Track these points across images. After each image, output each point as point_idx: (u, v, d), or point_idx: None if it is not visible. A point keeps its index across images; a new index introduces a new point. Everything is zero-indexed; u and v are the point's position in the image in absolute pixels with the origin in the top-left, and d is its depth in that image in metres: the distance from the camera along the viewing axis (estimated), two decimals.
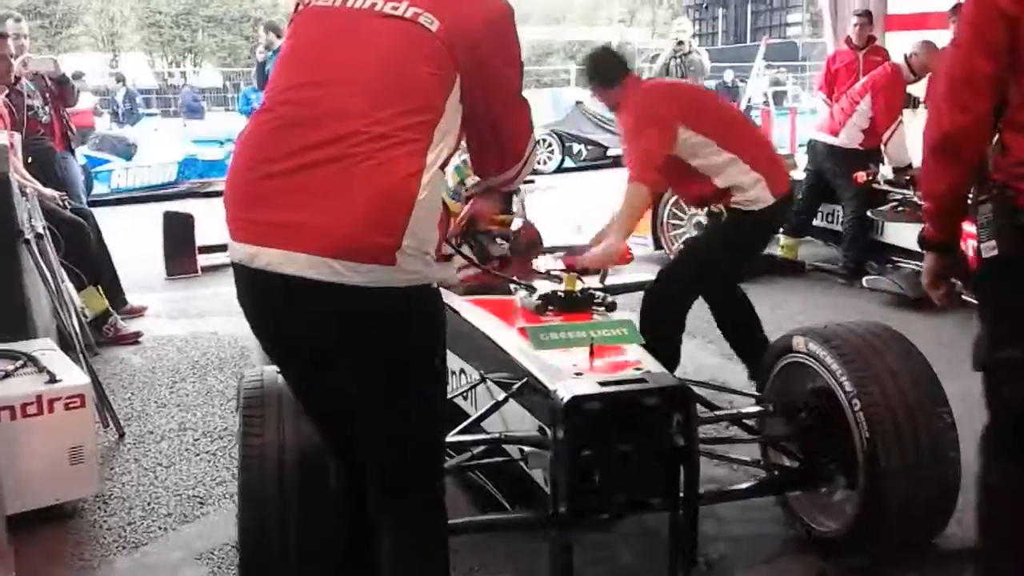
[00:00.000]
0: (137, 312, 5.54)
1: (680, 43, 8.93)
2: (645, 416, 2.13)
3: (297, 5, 1.79)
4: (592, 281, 3.25)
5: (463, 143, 1.81)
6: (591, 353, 2.40)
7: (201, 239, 6.71)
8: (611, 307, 2.80)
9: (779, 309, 5.55)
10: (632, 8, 45.58)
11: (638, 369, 2.31)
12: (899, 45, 7.54)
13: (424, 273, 1.61)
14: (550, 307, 2.74)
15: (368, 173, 1.52)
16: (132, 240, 7.10)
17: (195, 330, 5.29)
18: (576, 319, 2.66)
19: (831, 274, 6.20)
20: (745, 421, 2.77)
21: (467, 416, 2.58)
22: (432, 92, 1.61)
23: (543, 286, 2.91)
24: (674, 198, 6.55)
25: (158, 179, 11.45)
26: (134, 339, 5.02)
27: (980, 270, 1.88)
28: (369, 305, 1.56)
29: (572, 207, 5.22)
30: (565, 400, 2.08)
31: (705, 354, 4.73)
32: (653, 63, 11.62)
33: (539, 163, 13.60)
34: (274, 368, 2.22)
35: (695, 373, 4.33)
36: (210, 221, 7.49)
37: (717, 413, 2.69)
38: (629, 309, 4.86)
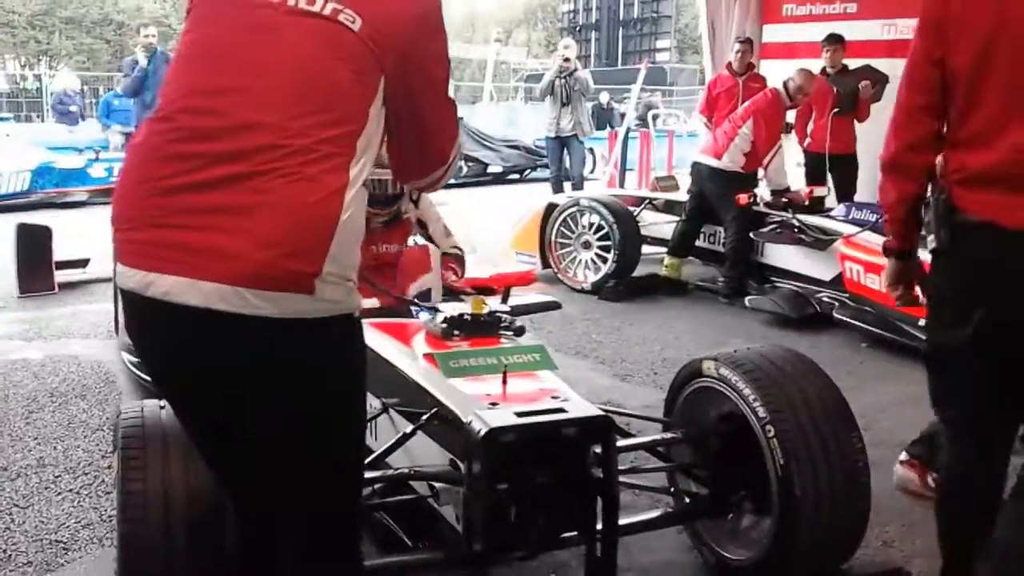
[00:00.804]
0: None
1: (567, 60, 9.00)
2: (564, 447, 2.03)
3: None
4: (494, 303, 3.14)
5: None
6: (504, 381, 2.28)
7: (59, 253, 6.20)
8: (519, 331, 2.68)
9: (665, 328, 5.61)
10: (508, 28, 46.10)
11: (555, 397, 2.20)
12: (773, 72, 7.85)
13: (345, 302, 1.45)
14: (456, 331, 2.60)
15: (285, 192, 1.35)
16: None
17: (53, 353, 4.84)
18: (485, 344, 2.54)
19: (713, 293, 6.32)
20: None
21: (369, 451, 2.40)
22: (354, 99, 1.45)
23: (447, 308, 2.78)
24: (562, 216, 6.55)
25: (8, 188, 10.60)
26: None
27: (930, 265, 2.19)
28: (283, 339, 1.39)
29: (464, 225, 5.10)
30: (482, 432, 1.95)
31: (598, 375, 4.69)
32: (536, 82, 11.70)
33: None
34: (155, 401, 2.00)
35: (590, 395, 4.28)
36: (68, 233, 7.05)
37: (631, 442, 2.62)
38: (534, 330, 4.80)
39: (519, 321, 2.74)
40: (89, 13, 33.35)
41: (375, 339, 2.63)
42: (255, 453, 1.49)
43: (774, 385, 2.39)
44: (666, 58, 39.63)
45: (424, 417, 2.25)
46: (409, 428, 2.30)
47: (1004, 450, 2.15)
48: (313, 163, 1.37)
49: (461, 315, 2.66)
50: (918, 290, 2.36)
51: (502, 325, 2.69)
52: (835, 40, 6.93)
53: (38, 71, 31.52)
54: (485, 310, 2.69)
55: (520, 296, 3.77)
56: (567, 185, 9.24)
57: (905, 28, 7.06)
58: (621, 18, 45.44)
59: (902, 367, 4.83)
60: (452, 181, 10.14)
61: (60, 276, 6.19)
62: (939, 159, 2.11)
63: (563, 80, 8.91)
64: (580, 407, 2.12)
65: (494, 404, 2.13)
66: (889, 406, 4.23)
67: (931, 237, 2.14)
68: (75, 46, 33.31)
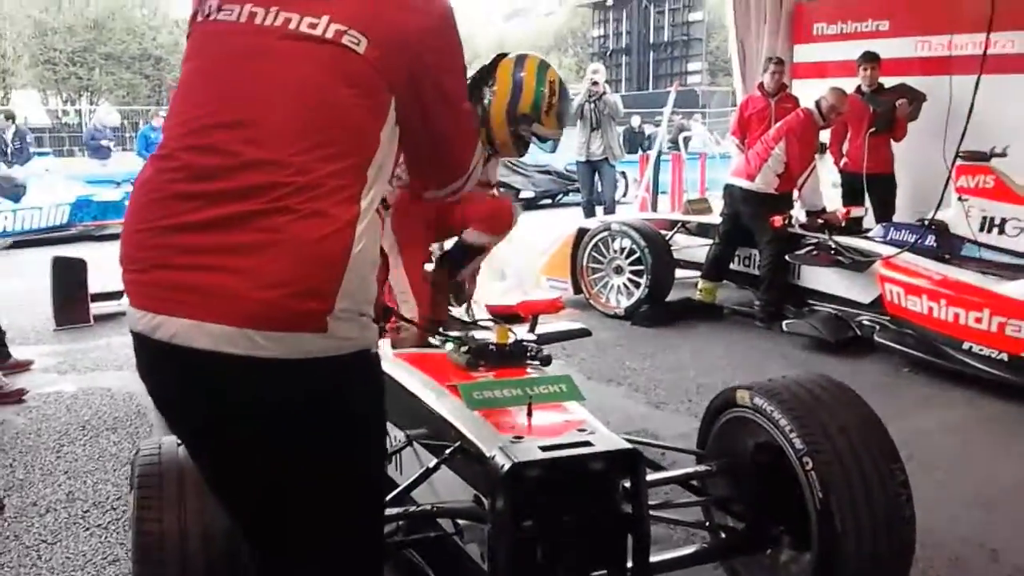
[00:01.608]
0: (22, 367, 5.09)
1: (595, 84, 8.98)
2: (591, 482, 1.96)
3: (194, 15, 1.52)
4: (521, 332, 3.08)
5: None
6: (529, 413, 2.21)
7: (94, 285, 6.26)
8: (546, 361, 2.62)
9: (700, 354, 5.51)
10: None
11: (582, 430, 2.13)
12: (805, 92, 7.74)
13: (361, 338, 1.39)
14: (481, 362, 2.55)
15: (292, 230, 1.29)
16: (18, 287, 6.60)
17: (86, 386, 4.87)
18: (510, 374, 2.47)
19: (749, 317, 6.20)
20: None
21: (394, 485, 2.35)
22: (363, 127, 1.39)
23: (472, 338, 2.73)
24: (593, 241, 6.49)
25: (48, 221, 10.80)
26: (18, 397, 4.58)
27: None
28: (297, 381, 1.33)
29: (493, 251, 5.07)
30: (505, 467, 1.88)
31: (631, 403, 4.60)
32: None
33: None
34: (173, 438, 1.96)
35: (624, 424, 4.20)
36: (104, 266, 7.12)
37: (663, 475, 2.53)
38: (565, 357, 4.73)
39: (546, 350, 2.68)
40: (128, 49, 34.13)
41: (398, 370, 2.59)
42: (271, 497, 1.43)
43: (811, 415, 2.30)
44: (697, 80, 39.64)
45: (448, 451, 2.19)
46: (433, 463, 2.24)
47: None
48: (320, 198, 1.32)
49: (486, 345, 2.61)
50: None
51: (528, 355, 2.63)
52: (871, 58, 6.82)
53: (79, 106, 32.33)
54: (511, 339, 2.63)
55: (548, 324, 3.72)
56: (599, 209, 9.18)
57: (939, 45, 6.94)
58: (651, 42, 45.59)
59: (945, 392, 4.69)
60: None
61: (95, 308, 6.26)
62: None
63: (592, 104, 8.88)
64: (607, 440, 2.05)
65: (519, 438, 2.06)
66: (933, 432, 4.09)
67: None
68: (115, 81, 34.08)
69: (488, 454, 1.97)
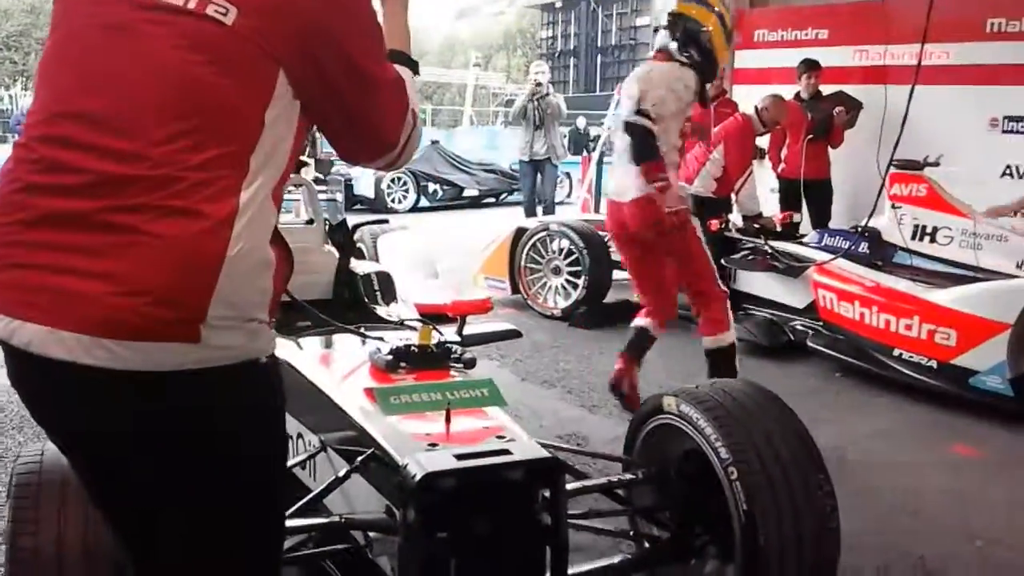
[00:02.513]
0: None
1: (539, 84, 8.92)
2: (508, 492, 1.87)
3: None
4: (449, 332, 2.99)
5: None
6: (447, 419, 2.11)
7: None
8: (470, 363, 2.53)
9: None
10: (487, 53, 46.26)
11: (501, 437, 2.04)
12: (746, 98, 7.78)
13: (246, 347, 1.24)
14: (402, 364, 2.44)
15: (152, 229, 1.14)
16: None
17: None
18: (431, 377, 2.38)
19: (686, 320, 6.17)
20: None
21: (306, 490, 2.23)
22: (239, 109, 1.23)
23: (394, 338, 2.62)
24: (531, 241, 6.42)
25: None
26: None
27: None
28: (165, 395, 1.18)
29: (427, 248, 4.98)
30: (417, 477, 1.78)
31: (565, 405, 4.53)
32: (509, 106, 11.61)
33: (394, 202, 13.31)
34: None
35: (556, 427, 4.13)
36: None
37: (585, 484, 2.46)
38: (500, 358, 4.63)
39: (475, 352, 2.59)
40: None
41: (313, 369, 2.47)
42: (145, 518, 1.29)
43: (737, 424, 2.24)
44: None
45: (360, 459, 2.09)
46: (344, 470, 2.13)
47: None
48: (185, 194, 1.16)
49: (408, 346, 2.50)
50: None
51: (452, 357, 2.53)
52: (812, 66, 6.88)
53: (13, 91, 31.25)
54: (433, 340, 2.54)
55: (478, 324, 3.63)
56: (540, 209, 9.13)
57: (875, 54, 7.03)
58: (599, 45, 45.86)
59: (875, 398, 4.72)
60: (425, 204, 10.07)
61: None
62: None
63: (535, 104, 8.82)
64: (527, 448, 1.96)
65: (433, 445, 1.97)
66: (863, 438, 4.11)
67: None
68: None
69: (400, 463, 1.86)
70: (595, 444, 3.91)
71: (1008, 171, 6.45)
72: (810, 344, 5.26)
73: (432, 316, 3.37)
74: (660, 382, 4.61)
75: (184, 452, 1.22)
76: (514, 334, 3.42)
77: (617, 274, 6.46)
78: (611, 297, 6.42)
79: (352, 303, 3.38)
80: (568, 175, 15.08)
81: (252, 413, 1.29)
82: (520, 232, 6.55)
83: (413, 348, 2.49)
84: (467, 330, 3.27)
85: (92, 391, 1.17)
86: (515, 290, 6.55)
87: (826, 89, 6.99)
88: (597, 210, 10.13)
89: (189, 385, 1.18)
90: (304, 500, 2.15)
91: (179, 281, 1.15)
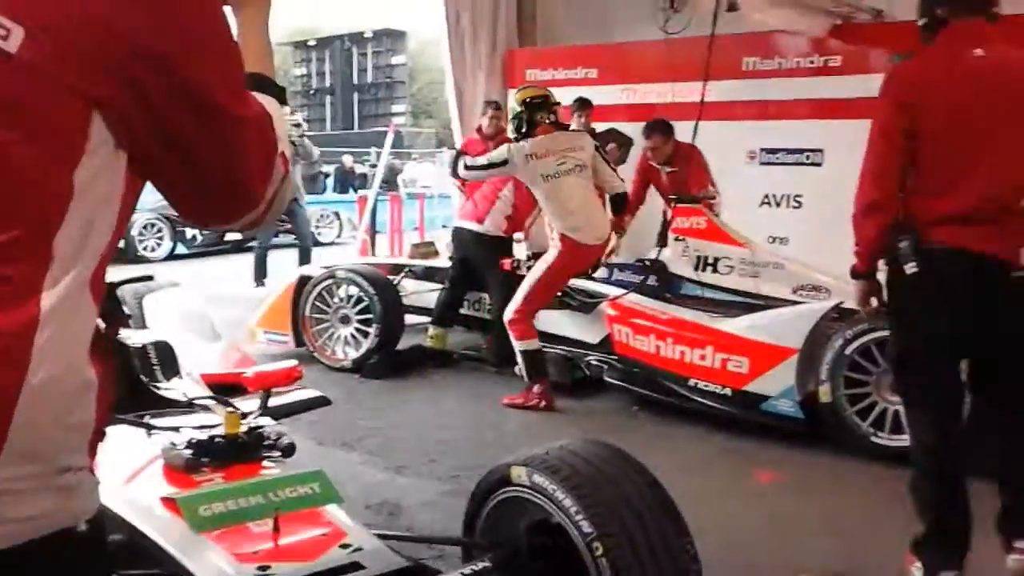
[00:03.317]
0: None
1: (297, 125, 8.68)
2: None
3: None
4: (248, 406, 2.59)
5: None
6: (276, 528, 1.77)
7: None
8: (289, 451, 2.18)
9: (436, 405, 5.25)
10: None
11: (346, 546, 1.73)
12: None
13: (54, 514, 0.86)
14: (206, 460, 2.05)
15: None
16: None
17: None
18: (245, 474, 2.01)
19: (482, 362, 6.05)
20: None
21: None
22: (29, 173, 0.85)
23: (190, 425, 2.22)
24: (316, 290, 6.02)
25: None
26: None
27: (895, 284, 2.85)
28: None
29: (202, 305, 4.45)
30: None
31: (370, 469, 4.18)
32: None
33: (146, 250, 12.21)
34: None
35: (363, 495, 3.79)
36: None
37: None
38: (289, 421, 4.19)
39: (287, 437, 2.23)
40: None
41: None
42: None
43: (597, 492, 2.07)
44: (401, 121, 40.27)
45: None
46: None
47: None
48: None
49: (211, 438, 2.11)
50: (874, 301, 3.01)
51: (266, 444, 2.17)
52: (585, 105, 7.05)
53: None
54: (243, 428, 2.16)
55: (281, 394, 3.23)
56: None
57: (643, 93, 7.35)
58: (356, 83, 45.68)
59: (675, 429, 4.78)
60: (183, 251, 9.22)
61: None
62: None
63: None
64: (379, 558, 1.68)
65: (264, 568, 1.62)
66: (669, 471, 4.07)
67: (907, 264, 2.74)
68: None
69: None
70: (410, 512, 3.63)
71: (767, 200, 6.95)
72: (607, 379, 5.27)
73: (225, 388, 2.96)
74: (467, 433, 4.41)
75: None
76: (324, 402, 3.07)
77: (410, 318, 6.23)
78: (403, 343, 6.15)
79: (126, 384, 2.87)
80: (337, 214, 14.67)
81: None
82: (304, 280, 6.12)
83: (218, 439, 2.11)
84: (272, 401, 2.88)
85: None
86: (299, 343, 6.09)
87: (599, 127, 7.19)
88: (375, 251, 9.84)
89: None
90: None
91: None
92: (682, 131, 6.05)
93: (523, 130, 5.19)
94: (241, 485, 1.89)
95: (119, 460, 2.19)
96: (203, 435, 2.11)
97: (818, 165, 6.73)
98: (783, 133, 6.90)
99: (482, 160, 5.30)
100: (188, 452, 2.05)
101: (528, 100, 5.28)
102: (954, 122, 2.75)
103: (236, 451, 2.09)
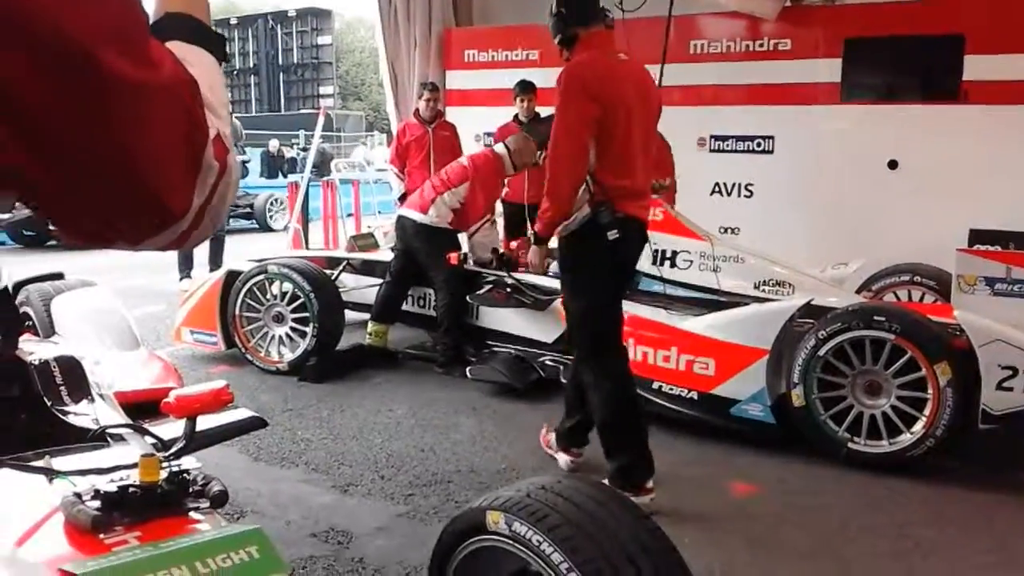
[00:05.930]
0: None
1: None
2: None
3: None
4: (171, 431, 2.21)
5: None
6: None
7: None
8: (219, 500, 1.80)
9: (383, 412, 4.86)
10: None
11: None
12: (460, 119, 7.51)
13: None
14: (117, 516, 1.67)
15: None
16: None
17: None
18: (166, 532, 1.63)
19: (428, 362, 5.69)
20: None
21: None
22: None
23: (98, 469, 1.83)
24: (246, 286, 5.57)
25: None
26: None
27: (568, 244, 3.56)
28: None
29: (120, 306, 3.96)
30: None
31: (313, 489, 3.80)
32: None
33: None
34: None
35: (307, 522, 3.41)
36: None
37: None
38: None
39: (216, 483, 1.86)
40: None
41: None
42: None
43: (590, 543, 1.76)
44: (330, 104, 39.40)
45: None
46: None
47: None
48: None
49: (125, 487, 1.72)
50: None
51: (191, 492, 1.80)
52: (528, 88, 6.73)
53: None
54: (162, 476, 1.78)
55: (209, 416, 2.83)
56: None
57: None
58: (281, 63, 44.48)
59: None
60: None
61: None
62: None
63: None
64: None
65: None
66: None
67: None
68: None
69: None
70: (361, 541, 3.27)
71: (717, 188, 6.74)
72: (563, 379, 4.97)
73: (142, 408, 2.59)
74: (417, 443, 4.07)
75: None
76: (260, 423, 2.68)
77: (350, 316, 5.84)
78: (342, 342, 5.76)
79: (23, 407, 2.46)
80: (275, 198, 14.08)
81: None
82: (232, 276, 5.66)
83: (133, 489, 1.72)
84: (201, 425, 2.49)
85: None
86: (229, 344, 5.65)
87: (543, 111, 6.88)
88: (307, 240, 9.37)
89: None
90: None
91: None
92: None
93: None
94: (160, 554, 1.52)
95: (10, 515, 1.80)
96: (114, 485, 1.72)
97: (769, 153, 6.55)
98: (734, 119, 6.70)
99: None
100: (95, 505, 1.66)
101: None
102: (626, 116, 3.36)
103: (153, 503, 1.70)
